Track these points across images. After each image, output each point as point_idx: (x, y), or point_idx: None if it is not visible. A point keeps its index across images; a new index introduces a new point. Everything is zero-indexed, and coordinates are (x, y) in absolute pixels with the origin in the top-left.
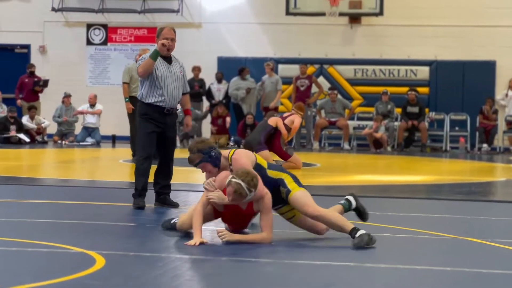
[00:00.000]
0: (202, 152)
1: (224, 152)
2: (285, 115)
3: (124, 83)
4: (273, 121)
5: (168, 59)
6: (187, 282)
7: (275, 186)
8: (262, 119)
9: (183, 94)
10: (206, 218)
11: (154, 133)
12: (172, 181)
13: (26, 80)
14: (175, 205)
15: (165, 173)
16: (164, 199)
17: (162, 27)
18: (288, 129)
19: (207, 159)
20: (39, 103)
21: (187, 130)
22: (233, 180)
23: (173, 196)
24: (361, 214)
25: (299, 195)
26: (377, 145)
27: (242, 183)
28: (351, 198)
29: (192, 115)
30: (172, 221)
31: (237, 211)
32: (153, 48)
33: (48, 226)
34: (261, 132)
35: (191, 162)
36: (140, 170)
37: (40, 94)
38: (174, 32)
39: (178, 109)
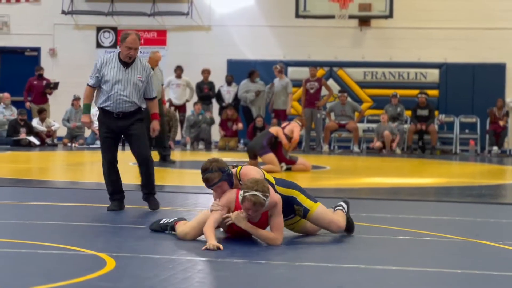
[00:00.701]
0: (221, 170)
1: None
2: (283, 125)
3: None
4: (273, 130)
5: (126, 64)
6: (197, 284)
7: (286, 203)
8: (271, 122)
9: (149, 99)
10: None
11: (108, 138)
12: (182, 184)
13: (35, 82)
14: (153, 208)
15: (141, 173)
16: (145, 199)
17: (127, 34)
18: (289, 138)
19: (225, 177)
20: (48, 105)
21: (154, 135)
22: (247, 194)
23: (183, 198)
24: (349, 227)
25: (320, 213)
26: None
27: (257, 193)
28: (344, 204)
29: (203, 119)
30: (161, 222)
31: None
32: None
33: (59, 228)
34: (263, 137)
35: (209, 181)
36: (104, 176)
37: (49, 96)
38: (139, 39)
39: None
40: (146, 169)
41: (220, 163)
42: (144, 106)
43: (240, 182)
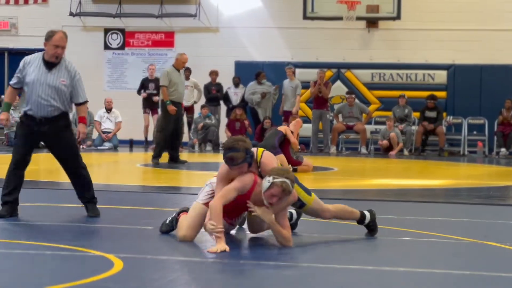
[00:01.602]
0: (246, 151)
1: None
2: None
3: (163, 86)
4: (282, 128)
5: (51, 65)
6: (204, 285)
7: None
8: (280, 124)
9: (77, 104)
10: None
11: (24, 137)
12: (189, 185)
13: None
14: (91, 215)
15: (74, 184)
16: (85, 208)
17: (54, 31)
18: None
19: (249, 159)
20: None
21: (81, 138)
22: (277, 180)
23: (191, 199)
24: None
25: (313, 205)
26: (389, 149)
27: (287, 180)
28: (367, 213)
29: (210, 120)
30: (167, 221)
31: (235, 202)
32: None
33: (67, 229)
34: (274, 137)
35: (234, 160)
36: (6, 175)
37: None
38: (66, 37)
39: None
40: (79, 179)
41: (247, 144)
42: (69, 110)
43: (259, 169)
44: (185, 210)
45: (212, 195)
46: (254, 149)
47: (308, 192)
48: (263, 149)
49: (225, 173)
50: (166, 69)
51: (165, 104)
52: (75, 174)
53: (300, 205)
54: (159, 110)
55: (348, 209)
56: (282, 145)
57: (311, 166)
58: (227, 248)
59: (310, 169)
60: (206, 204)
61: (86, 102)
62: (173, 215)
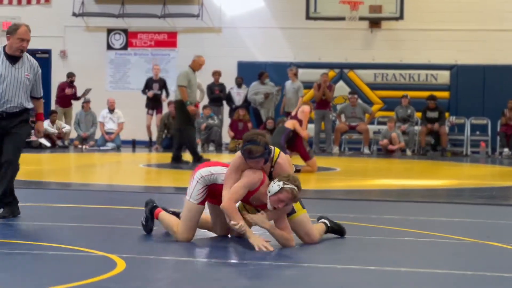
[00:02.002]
0: (265, 147)
1: None
2: (293, 113)
3: (181, 86)
4: (290, 124)
5: (14, 59)
6: (207, 285)
7: None
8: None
9: (35, 98)
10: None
11: None
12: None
13: (67, 89)
14: (4, 215)
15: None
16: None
17: (17, 25)
18: (302, 121)
19: (266, 155)
20: (71, 109)
21: (39, 137)
22: (287, 186)
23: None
24: (338, 230)
25: (302, 220)
26: (391, 149)
27: (296, 188)
28: (326, 221)
29: (213, 120)
30: (143, 223)
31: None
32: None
33: (69, 229)
34: (280, 135)
35: (253, 153)
36: None
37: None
38: (30, 31)
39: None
40: (5, 172)
41: (266, 139)
42: (30, 106)
43: (272, 169)
44: (156, 206)
45: (206, 193)
46: (272, 148)
47: (302, 204)
48: (279, 149)
49: (240, 164)
50: (185, 69)
51: (181, 104)
52: (6, 167)
53: (289, 213)
54: (163, 110)
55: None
56: (293, 140)
57: (315, 168)
58: (262, 240)
59: (314, 171)
60: (201, 203)
61: (42, 97)
62: (144, 216)
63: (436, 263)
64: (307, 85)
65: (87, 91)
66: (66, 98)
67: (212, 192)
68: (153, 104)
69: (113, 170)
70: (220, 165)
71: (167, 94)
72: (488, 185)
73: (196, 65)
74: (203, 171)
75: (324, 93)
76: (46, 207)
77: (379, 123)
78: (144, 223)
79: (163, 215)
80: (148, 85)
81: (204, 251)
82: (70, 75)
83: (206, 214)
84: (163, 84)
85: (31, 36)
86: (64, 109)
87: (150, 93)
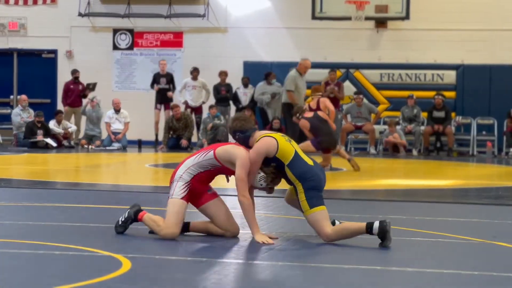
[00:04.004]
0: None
1: (260, 133)
2: (314, 106)
3: (289, 90)
4: (322, 114)
5: None
6: (212, 285)
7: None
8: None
9: None
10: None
11: None
12: None
13: (72, 86)
14: None
15: None
16: None
17: None
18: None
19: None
20: (80, 108)
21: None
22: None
23: None
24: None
25: (316, 217)
26: (395, 149)
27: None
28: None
29: (219, 120)
30: (120, 222)
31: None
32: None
33: (75, 229)
34: (336, 130)
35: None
36: None
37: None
38: None
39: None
40: None
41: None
42: None
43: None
44: (140, 210)
45: (188, 189)
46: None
47: (312, 204)
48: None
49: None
50: (292, 73)
51: (288, 107)
52: None
53: (304, 207)
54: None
55: (352, 227)
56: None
57: (328, 164)
58: (266, 236)
59: (327, 166)
60: (184, 198)
61: None
62: (125, 216)
63: (443, 263)
64: (312, 85)
65: (91, 85)
66: (74, 97)
67: (193, 190)
68: (161, 98)
69: (119, 170)
70: (190, 157)
71: (173, 89)
72: (494, 185)
73: (302, 68)
74: (179, 171)
75: (332, 91)
76: (52, 207)
77: (385, 123)
78: (121, 222)
79: (147, 215)
80: (156, 80)
81: (210, 251)
82: (74, 72)
83: (207, 220)
84: (170, 79)
85: (37, 36)
86: (73, 108)
87: (156, 87)
